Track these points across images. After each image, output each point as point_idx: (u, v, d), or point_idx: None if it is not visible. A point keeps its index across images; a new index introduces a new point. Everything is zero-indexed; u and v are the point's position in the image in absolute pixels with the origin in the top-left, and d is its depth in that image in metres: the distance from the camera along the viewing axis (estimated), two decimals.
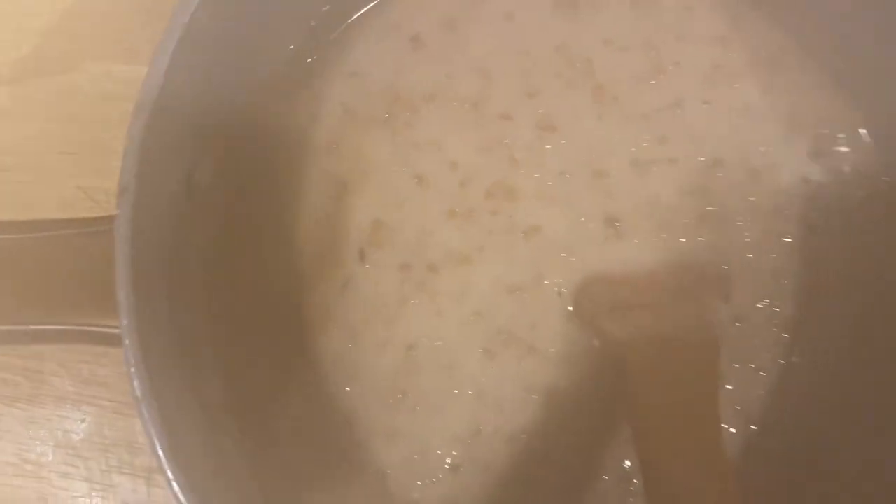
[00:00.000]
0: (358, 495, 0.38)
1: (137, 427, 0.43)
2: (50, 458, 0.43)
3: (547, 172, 0.40)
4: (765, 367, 0.39)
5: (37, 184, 0.46)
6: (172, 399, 0.28)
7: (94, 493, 0.43)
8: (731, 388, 0.38)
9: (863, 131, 0.40)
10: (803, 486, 0.37)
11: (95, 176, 0.46)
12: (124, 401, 0.43)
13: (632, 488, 0.37)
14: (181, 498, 0.26)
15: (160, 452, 0.26)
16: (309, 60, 0.41)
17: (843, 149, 0.40)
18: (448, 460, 0.38)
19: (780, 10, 0.41)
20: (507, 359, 0.39)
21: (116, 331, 0.28)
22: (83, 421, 0.44)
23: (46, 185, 0.46)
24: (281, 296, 0.39)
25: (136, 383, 0.26)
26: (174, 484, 0.26)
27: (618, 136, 0.41)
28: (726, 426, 0.38)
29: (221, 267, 0.38)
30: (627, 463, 0.37)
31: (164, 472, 0.26)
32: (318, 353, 0.39)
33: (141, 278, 0.28)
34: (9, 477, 0.43)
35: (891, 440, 0.35)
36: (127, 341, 0.26)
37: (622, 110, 0.41)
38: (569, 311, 0.39)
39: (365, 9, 0.42)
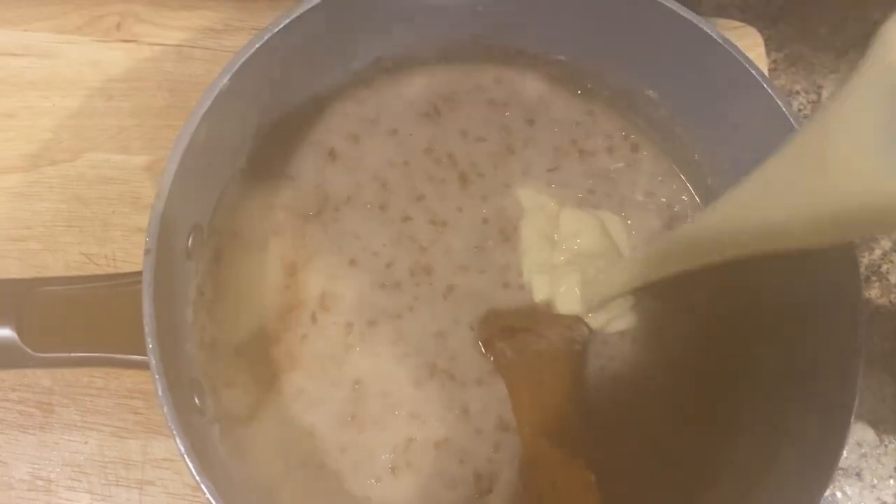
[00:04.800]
0: (320, 493, 0.46)
1: (132, 447, 0.51)
2: (58, 475, 0.50)
3: (451, 251, 0.51)
4: None
5: (46, 251, 0.53)
6: (181, 404, 0.39)
7: (95, 503, 0.50)
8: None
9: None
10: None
11: (96, 244, 0.53)
12: (121, 426, 0.51)
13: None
14: (197, 478, 0.36)
15: (178, 439, 0.36)
16: (253, 175, 0.50)
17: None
18: (389, 465, 0.46)
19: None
20: (432, 385, 0.48)
21: (141, 357, 0.38)
22: (86, 443, 0.50)
23: (55, 252, 0.53)
24: (253, 340, 0.48)
25: (160, 389, 0.37)
26: (191, 467, 0.36)
27: (486, 212, 0.52)
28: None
29: (205, 312, 0.47)
30: None
31: (184, 459, 0.36)
32: (284, 387, 0.47)
33: (156, 314, 0.39)
34: (23, 491, 0.50)
35: None
36: (151, 358, 0.37)
37: (487, 185, 0.52)
38: (479, 345, 0.49)
39: (294, 128, 0.52)
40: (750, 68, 0.45)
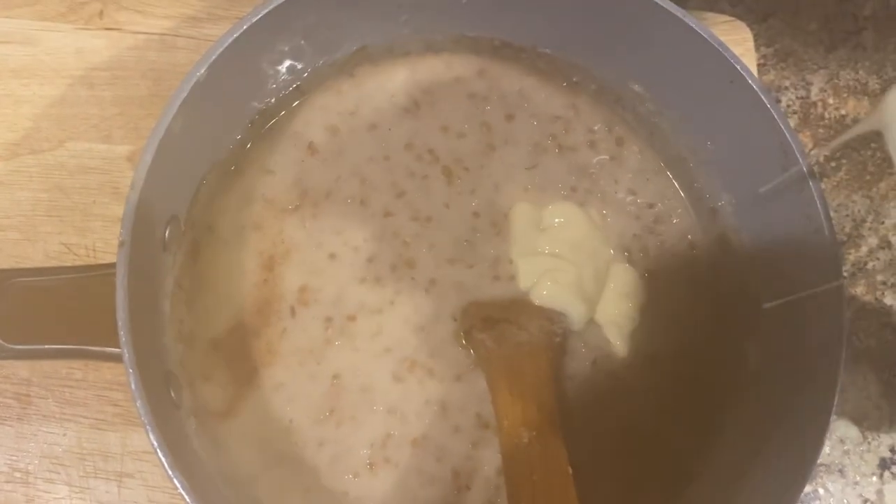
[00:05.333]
0: (297, 488, 0.46)
1: (111, 439, 0.51)
2: (36, 466, 0.50)
3: (436, 246, 0.50)
4: None
5: (26, 241, 0.53)
6: (156, 397, 0.38)
7: (73, 496, 0.49)
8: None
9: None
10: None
11: (76, 234, 0.53)
12: (100, 418, 0.50)
13: None
14: (169, 472, 0.36)
15: (151, 433, 0.36)
16: (232, 168, 0.50)
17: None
18: (366, 460, 0.46)
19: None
20: (411, 381, 0.48)
21: (116, 350, 0.38)
22: (65, 435, 0.50)
23: (34, 242, 0.53)
24: (231, 334, 0.48)
25: (132, 382, 0.36)
26: (164, 461, 0.36)
27: (476, 204, 0.51)
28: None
29: (183, 305, 0.47)
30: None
31: (157, 453, 0.36)
32: (263, 381, 0.47)
33: (131, 307, 0.38)
34: (0, 483, 0.49)
35: None
36: (125, 351, 0.36)
37: (474, 179, 0.52)
38: (460, 340, 0.49)
39: (273, 121, 0.51)
40: (735, 64, 0.45)
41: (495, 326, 0.48)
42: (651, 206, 0.53)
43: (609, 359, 0.50)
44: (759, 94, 0.45)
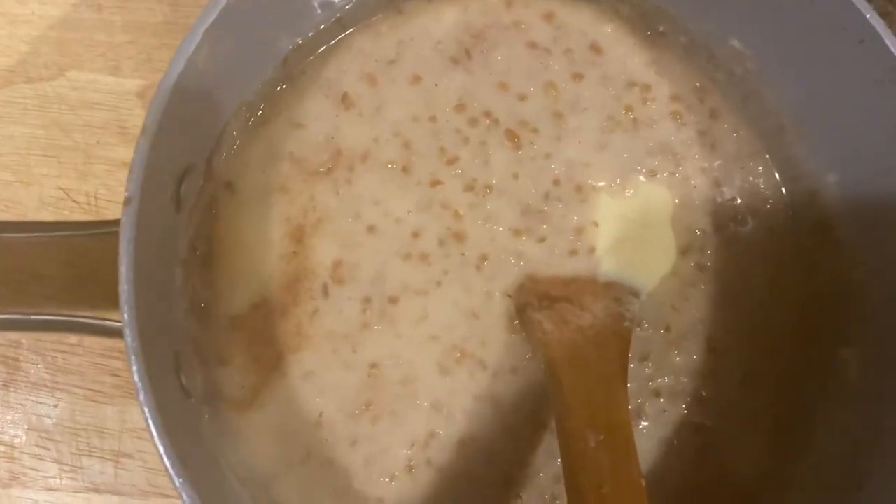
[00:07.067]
0: (325, 491, 0.41)
1: (108, 413, 0.46)
2: (23, 440, 0.45)
3: (494, 216, 0.44)
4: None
5: (19, 183, 0.47)
6: (162, 384, 0.32)
7: (63, 474, 0.45)
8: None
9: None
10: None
11: (77, 178, 0.48)
12: (96, 389, 0.46)
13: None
14: (167, 463, 0.30)
15: (153, 427, 0.30)
16: (259, 113, 0.44)
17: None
18: (406, 462, 0.41)
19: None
20: (459, 373, 0.42)
21: (114, 324, 0.32)
22: (56, 406, 0.45)
23: (28, 185, 0.47)
24: (253, 312, 0.42)
25: (134, 367, 0.30)
26: (162, 451, 0.30)
27: (556, 168, 0.45)
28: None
29: (197, 274, 0.41)
30: (559, 461, 0.40)
31: (155, 445, 0.30)
32: (290, 368, 0.41)
33: (137, 276, 0.32)
34: None
35: None
36: (127, 332, 0.30)
37: (543, 147, 0.45)
38: (515, 324, 0.43)
39: (309, 59, 0.45)
40: (871, 20, 0.37)
41: (553, 306, 0.42)
42: (740, 187, 0.46)
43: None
44: (893, 51, 0.37)
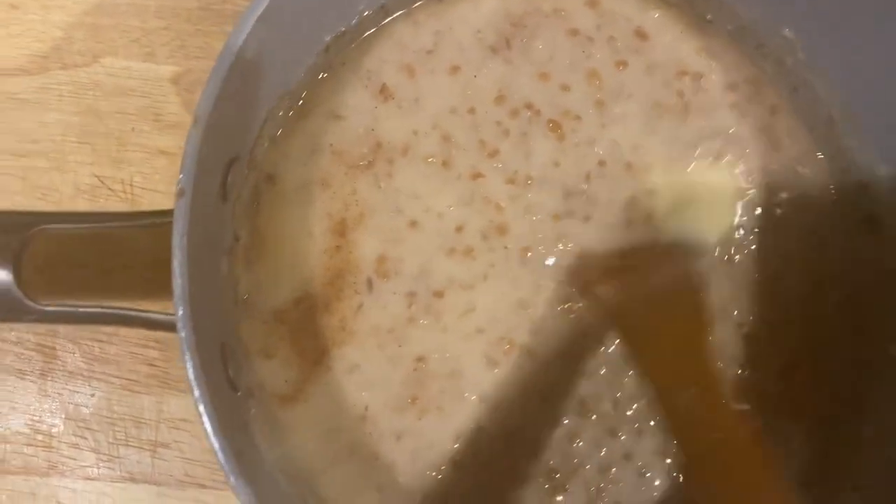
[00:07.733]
0: (369, 485, 0.40)
1: (144, 403, 0.46)
2: (60, 430, 0.45)
3: (536, 205, 0.43)
4: None
5: (54, 171, 0.47)
6: (211, 377, 0.31)
7: (100, 464, 0.45)
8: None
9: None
10: None
11: (111, 166, 0.47)
12: (132, 378, 0.45)
13: (609, 475, 0.41)
14: (222, 460, 0.30)
15: (208, 424, 0.29)
16: (300, 103, 0.43)
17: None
18: (451, 456, 0.41)
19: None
20: (507, 365, 0.42)
21: (165, 317, 0.31)
22: (93, 395, 0.45)
23: (63, 172, 0.47)
24: (297, 305, 0.41)
25: (189, 364, 0.29)
26: (217, 447, 0.29)
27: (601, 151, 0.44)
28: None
29: (240, 264, 0.41)
30: (604, 451, 0.41)
31: (210, 443, 0.29)
32: (334, 362, 0.41)
33: (190, 274, 0.31)
34: (20, 445, 0.45)
35: None
36: (181, 327, 0.29)
37: (586, 132, 0.44)
38: (567, 306, 0.42)
39: (352, 46, 0.44)
40: None
41: (620, 275, 0.42)
42: (788, 176, 0.45)
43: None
44: None
